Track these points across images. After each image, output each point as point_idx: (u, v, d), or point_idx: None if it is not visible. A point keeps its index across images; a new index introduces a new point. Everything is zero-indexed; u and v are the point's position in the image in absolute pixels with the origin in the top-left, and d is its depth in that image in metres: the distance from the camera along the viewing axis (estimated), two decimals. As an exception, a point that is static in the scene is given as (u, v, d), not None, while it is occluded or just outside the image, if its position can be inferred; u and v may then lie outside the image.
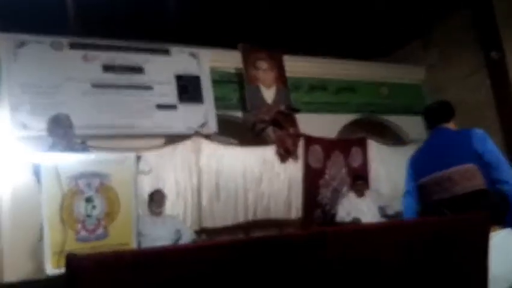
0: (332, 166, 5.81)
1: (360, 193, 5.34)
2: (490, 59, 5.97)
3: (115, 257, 0.66)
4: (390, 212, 5.26)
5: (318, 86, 6.33)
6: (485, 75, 6.10)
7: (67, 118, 3.49)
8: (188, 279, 0.66)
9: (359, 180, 5.44)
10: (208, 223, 5.00)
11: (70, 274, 0.62)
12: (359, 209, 5.19)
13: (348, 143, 6.10)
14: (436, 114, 3.02)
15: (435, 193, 1.27)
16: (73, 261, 0.62)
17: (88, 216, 3.06)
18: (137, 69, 5.04)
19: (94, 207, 3.08)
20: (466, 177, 1.23)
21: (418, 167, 2.78)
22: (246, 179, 5.30)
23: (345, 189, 5.78)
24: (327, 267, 0.78)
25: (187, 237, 4.39)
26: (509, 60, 5.81)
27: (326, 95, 6.37)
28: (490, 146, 2.50)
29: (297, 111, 5.65)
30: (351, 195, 5.40)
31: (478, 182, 1.25)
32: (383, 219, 5.13)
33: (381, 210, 5.28)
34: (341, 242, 0.81)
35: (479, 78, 6.17)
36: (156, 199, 4.44)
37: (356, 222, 4.98)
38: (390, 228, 0.93)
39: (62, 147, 3.32)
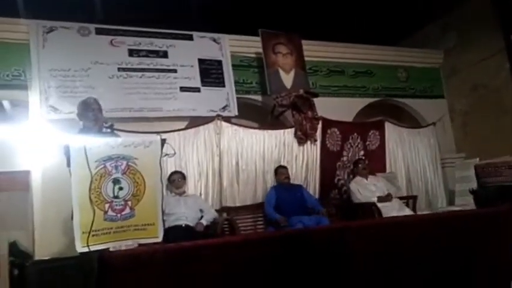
0: (349, 148, 5.88)
1: (365, 176, 5.43)
2: (509, 42, 5.84)
3: (147, 253, 0.63)
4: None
5: (336, 70, 6.40)
6: (504, 59, 6.00)
7: (96, 102, 3.54)
8: (219, 274, 0.68)
9: (360, 164, 5.53)
10: (229, 203, 5.13)
11: (102, 270, 0.62)
12: (367, 189, 5.27)
13: (366, 125, 6.15)
14: None
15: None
16: (105, 257, 0.61)
17: (116, 197, 3.12)
18: (162, 53, 5.18)
19: (121, 188, 3.11)
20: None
21: None
22: (265, 161, 5.39)
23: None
24: (347, 261, 0.78)
25: (210, 216, 4.48)
26: (529, 43, 5.70)
27: (344, 79, 6.43)
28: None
29: (316, 95, 5.69)
30: (358, 179, 5.46)
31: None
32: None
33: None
34: (361, 237, 0.79)
35: (498, 61, 6.10)
36: (173, 179, 4.57)
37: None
38: (408, 222, 0.91)
39: (91, 130, 3.44)
